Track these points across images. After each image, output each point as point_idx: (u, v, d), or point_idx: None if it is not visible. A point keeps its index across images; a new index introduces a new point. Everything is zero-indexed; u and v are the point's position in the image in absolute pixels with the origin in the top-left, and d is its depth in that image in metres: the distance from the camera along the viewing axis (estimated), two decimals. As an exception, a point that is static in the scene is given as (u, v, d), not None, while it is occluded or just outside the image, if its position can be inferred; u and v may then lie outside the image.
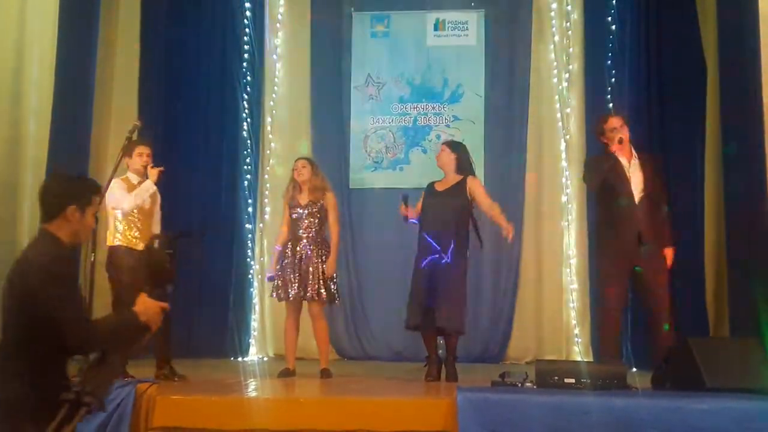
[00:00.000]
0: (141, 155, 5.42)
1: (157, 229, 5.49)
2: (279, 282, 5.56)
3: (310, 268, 5.47)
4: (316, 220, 5.60)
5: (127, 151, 5.36)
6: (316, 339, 5.65)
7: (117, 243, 5.26)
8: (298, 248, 5.55)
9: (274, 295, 5.65)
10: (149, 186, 5.34)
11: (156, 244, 2.96)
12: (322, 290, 5.45)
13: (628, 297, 5.30)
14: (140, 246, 5.25)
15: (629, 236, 4.97)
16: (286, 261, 5.57)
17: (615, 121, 5.16)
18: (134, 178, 5.41)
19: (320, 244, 5.58)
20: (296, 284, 5.46)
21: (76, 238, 2.79)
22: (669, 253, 5.06)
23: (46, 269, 2.59)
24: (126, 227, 5.28)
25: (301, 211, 5.62)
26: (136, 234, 5.29)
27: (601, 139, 5.23)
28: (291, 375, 5.46)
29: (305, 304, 5.53)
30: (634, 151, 5.16)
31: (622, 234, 4.99)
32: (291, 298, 5.50)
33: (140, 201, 5.29)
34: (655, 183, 5.11)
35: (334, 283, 5.56)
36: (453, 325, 5.20)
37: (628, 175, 5.05)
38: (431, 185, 5.60)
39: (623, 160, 5.09)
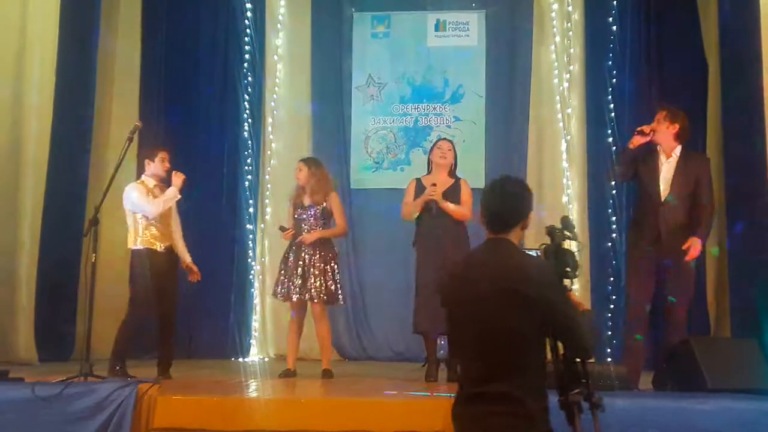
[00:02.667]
0: (164, 161, 5.42)
1: (177, 229, 5.48)
2: (283, 281, 5.57)
3: (313, 270, 5.47)
4: (320, 223, 5.60)
5: (149, 155, 5.40)
6: (318, 340, 5.64)
7: (138, 246, 5.27)
8: (301, 249, 5.55)
9: (279, 297, 5.64)
10: (174, 194, 5.35)
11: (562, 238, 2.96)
12: (323, 292, 5.45)
13: (653, 295, 5.02)
14: (159, 247, 5.27)
15: (651, 234, 4.74)
16: (289, 262, 5.57)
17: (657, 115, 4.91)
18: (150, 182, 5.40)
19: (323, 245, 5.57)
20: (299, 285, 5.47)
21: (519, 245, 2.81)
22: (694, 242, 4.60)
23: (546, 278, 2.62)
24: (145, 229, 5.28)
25: (304, 213, 5.62)
26: (157, 235, 5.30)
27: None
28: (292, 375, 5.45)
29: (309, 305, 5.54)
30: (677, 149, 4.83)
31: (645, 230, 4.80)
32: (294, 300, 5.50)
33: (166, 209, 5.30)
34: (698, 183, 4.77)
35: (336, 283, 5.55)
36: None
37: (659, 171, 4.81)
38: (419, 181, 5.55)
39: (662, 156, 4.84)
